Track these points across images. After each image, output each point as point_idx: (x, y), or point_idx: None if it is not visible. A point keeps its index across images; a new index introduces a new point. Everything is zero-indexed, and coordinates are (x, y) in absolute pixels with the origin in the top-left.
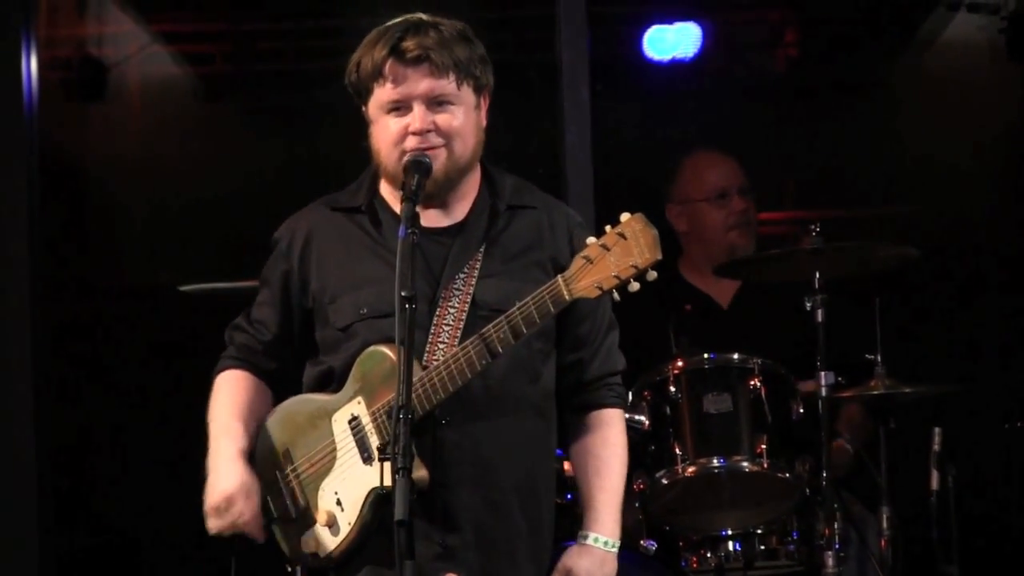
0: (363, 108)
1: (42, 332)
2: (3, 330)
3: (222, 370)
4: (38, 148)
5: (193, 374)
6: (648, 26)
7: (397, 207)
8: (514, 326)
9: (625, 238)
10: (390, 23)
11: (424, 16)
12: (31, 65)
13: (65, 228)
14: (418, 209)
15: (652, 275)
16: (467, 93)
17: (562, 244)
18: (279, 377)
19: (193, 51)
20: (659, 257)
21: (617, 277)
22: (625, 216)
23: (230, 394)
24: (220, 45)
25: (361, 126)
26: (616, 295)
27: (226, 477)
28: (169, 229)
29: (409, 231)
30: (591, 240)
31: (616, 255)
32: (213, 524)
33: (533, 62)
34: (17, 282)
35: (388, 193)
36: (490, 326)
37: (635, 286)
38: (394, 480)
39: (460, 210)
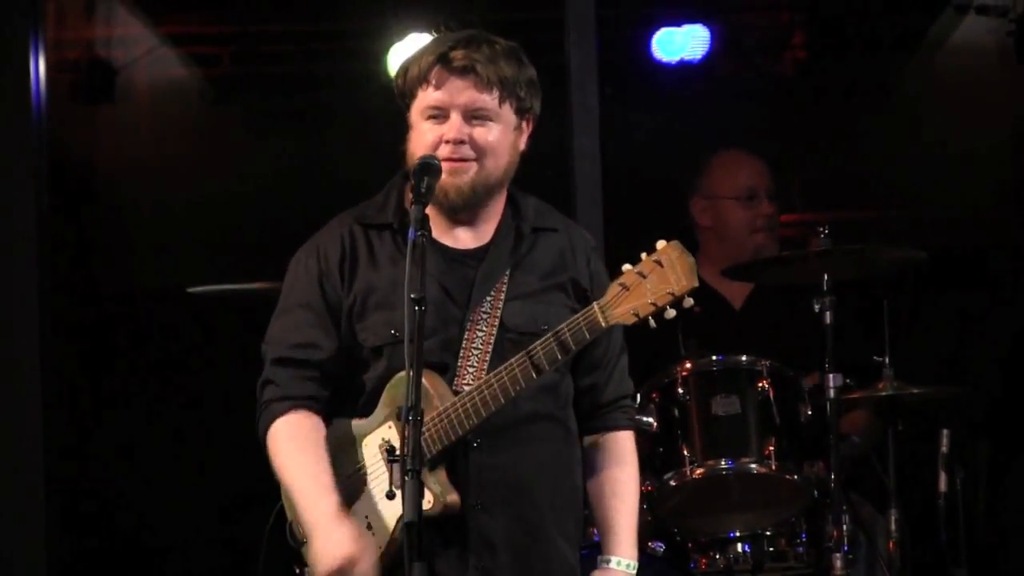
0: (407, 114)
1: (50, 334)
2: (11, 332)
3: (277, 415)
4: (46, 150)
5: (201, 376)
6: (656, 28)
7: (428, 223)
8: (548, 352)
9: (662, 265)
10: (444, 35)
11: (482, 32)
12: (39, 67)
13: (73, 230)
14: (450, 229)
15: (689, 302)
16: (508, 112)
17: (581, 267)
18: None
19: (201, 53)
20: (696, 284)
21: (654, 304)
22: (661, 243)
23: (304, 440)
24: (228, 47)
25: (367, 129)
26: (652, 322)
27: (339, 539)
28: (177, 231)
29: (419, 233)
30: (627, 267)
31: (653, 282)
32: None
33: (541, 65)
34: (25, 284)
35: None
36: (522, 354)
37: (671, 313)
38: (403, 481)
39: (486, 232)
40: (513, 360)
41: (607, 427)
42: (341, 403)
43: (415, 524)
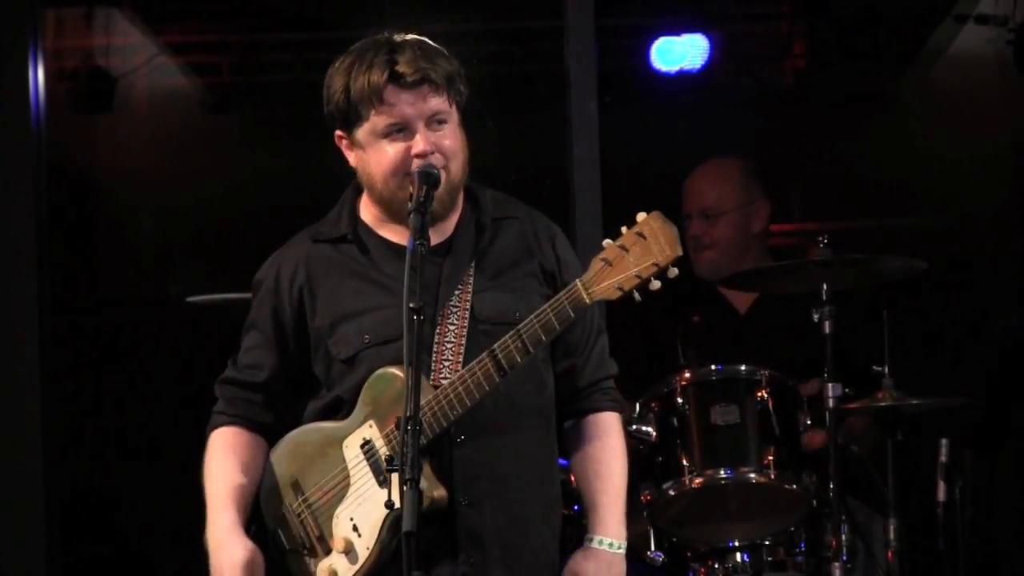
0: (338, 132)
1: (49, 343)
2: (12, 341)
3: (214, 427)
4: (46, 159)
5: (201, 385)
6: (656, 38)
7: (383, 231)
8: (532, 334)
9: (644, 237)
10: (364, 46)
11: (397, 34)
12: (38, 76)
13: (73, 239)
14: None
15: (673, 272)
16: (455, 109)
17: (547, 251)
18: (274, 427)
19: (200, 62)
20: (679, 253)
21: (638, 276)
22: (641, 215)
23: (225, 457)
24: (227, 56)
25: None
26: (637, 295)
27: (231, 550)
28: (176, 240)
29: (417, 243)
30: (607, 242)
31: (635, 255)
32: None
33: (541, 73)
34: (25, 293)
35: (371, 218)
36: (507, 336)
37: (656, 285)
38: (402, 492)
39: (447, 227)
40: (500, 343)
41: (587, 409)
42: (320, 414)
43: (413, 534)
